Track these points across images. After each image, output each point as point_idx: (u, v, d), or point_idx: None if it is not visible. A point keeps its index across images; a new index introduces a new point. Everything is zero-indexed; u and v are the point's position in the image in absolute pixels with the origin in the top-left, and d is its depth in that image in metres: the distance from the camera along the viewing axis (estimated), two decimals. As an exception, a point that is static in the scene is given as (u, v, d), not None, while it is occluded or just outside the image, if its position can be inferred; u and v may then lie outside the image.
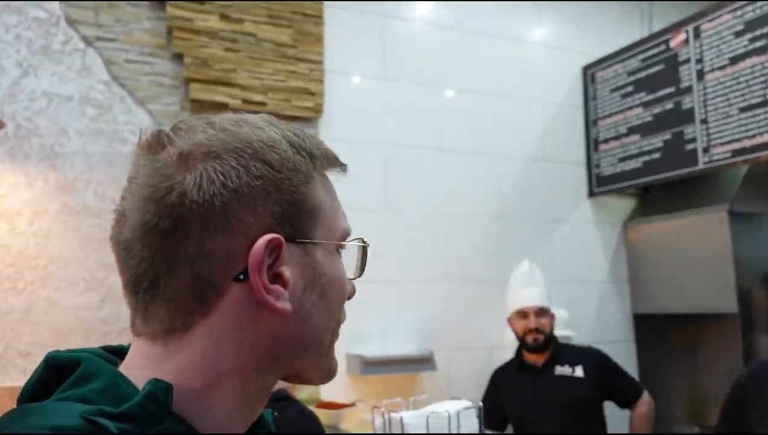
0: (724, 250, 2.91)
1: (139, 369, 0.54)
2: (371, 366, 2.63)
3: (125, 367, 0.55)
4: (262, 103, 2.69)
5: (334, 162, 0.63)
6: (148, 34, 2.57)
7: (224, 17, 2.67)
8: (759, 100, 2.65)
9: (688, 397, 3.14)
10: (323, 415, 2.36)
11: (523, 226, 3.23)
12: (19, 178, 2.31)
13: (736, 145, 2.73)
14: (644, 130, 3.17)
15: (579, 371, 2.55)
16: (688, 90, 2.95)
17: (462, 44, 3.20)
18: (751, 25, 2.68)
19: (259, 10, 2.75)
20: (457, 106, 3.16)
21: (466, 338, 3.03)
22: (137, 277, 0.55)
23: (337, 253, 0.62)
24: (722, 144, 2.79)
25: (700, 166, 2.89)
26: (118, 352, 0.59)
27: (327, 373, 0.62)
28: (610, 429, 2.61)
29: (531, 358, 2.66)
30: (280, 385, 1.60)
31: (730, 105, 2.76)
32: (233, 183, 0.54)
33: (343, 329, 0.62)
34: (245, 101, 2.67)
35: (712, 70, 2.84)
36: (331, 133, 2.82)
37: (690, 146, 2.93)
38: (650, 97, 3.14)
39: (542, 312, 2.62)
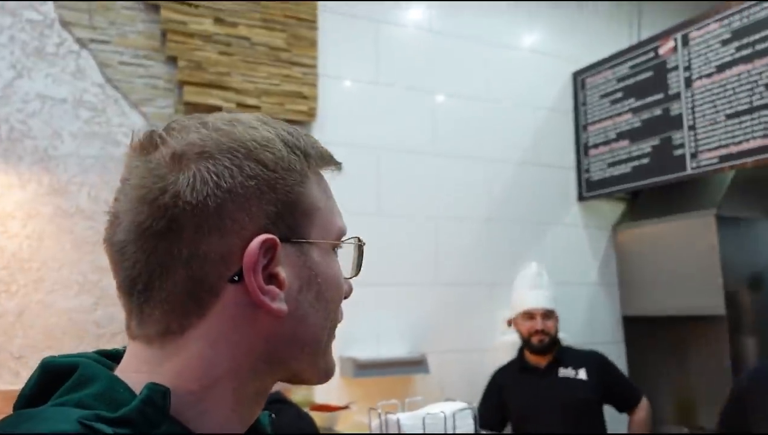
0: (711, 254, 2.95)
1: (135, 372, 0.54)
2: (364, 368, 2.65)
3: (121, 371, 0.55)
4: (256, 107, 2.70)
5: (328, 161, 0.63)
6: (142, 36, 2.57)
7: (218, 21, 2.68)
8: (745, 107, 2.70)
9: (676, 398, 3.18)
10: (317, 418, 2.37)
11: (514, 230, 3.27)
12: (12, 180, 2.30)
13: (723, 151, 2.78)
14: (633, 135, 3.21)
15: (582, 374, 2.58)
16: (677, 97, 3.00)
17: (454, 49, 3.23)
18: (737, 34, 2.73)
19: (253, 14, 2.76)
20: (449, 111, 3.19)
21: (459, 341, 3.05)
22: (131, 280, 0.54)
23: (333, 253, 0.61)
24: (709, 150, 2.84)
25: (688, 171, 2.94)
26: (114, 356, 0.59)
27: (324, 373, 0.61)
28: (608, 431, 2.64)
29: (534, 359, 2.68)
30: (278, 386, 1.61)
31: (717, 112, 2.81)
32: (227, 183, 0.54)
33: (337, 332, 0.61)
34: (239, 105, 2.68)
35: (700, 78, 2.89)
36: (324, 137, 2.80)
37: (678, 152, 2.98)
38: (639, 103, 3.19)
39: (549, 314, 2.66)
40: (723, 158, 2.78)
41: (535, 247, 3.29)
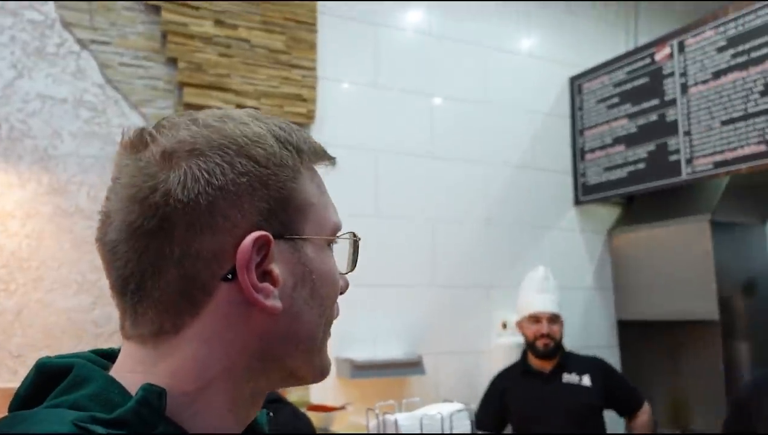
0: (705, 259, 2.98)
1: (130, 373, 0.53)
2: (361, 369, 2.66)
3: (116, 371, 0.54)
4: (255, 109, 2.71)
5: (322, 155, 0.62)
6: (142, 37, 2.58)
7: (219, 23, 2.70)
8: (740, 113, 2.72)
9: (670, 401, 3.20)
10: (314, 419, 2.38)
11: (511, 233, 3.29)
12: (11, 179, 2.31)
13: (718, 157, 2.81)
14: (629, 140, 3.24)
15: (586, 380, 2.60)
16: (672, 103, 3.02)
17: (452, 53, 3.25)
18: (733, 41, 2.76)
19: (253, 17, 2.77)
20: (447, 114, 3.21)
21: (455, 342, 3.07)
22: (124, 279, 0.54)
23: (328, 248, 0.61)
24: (705, 156, 2.86)
25: (683, 176, 2.96)
26: (109, 356, 0.58)
27: (320, 371, 0.61)
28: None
29: (538, 363, 2.70)
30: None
31: (712, 118, 2.84)
32: (218, 180, 0.53)
33: (333, 332, 0.61)
34: (239, 106, 2.69)
35: (696, 84, 2.92)
36: (322, 139, 2.79)
37: (673, 157, 3.01)
38: (635, 108, 3.21)
39: (554, 319, 2.67)
40: (718, 164, 2.81)
41: (531, 251, 3.31)
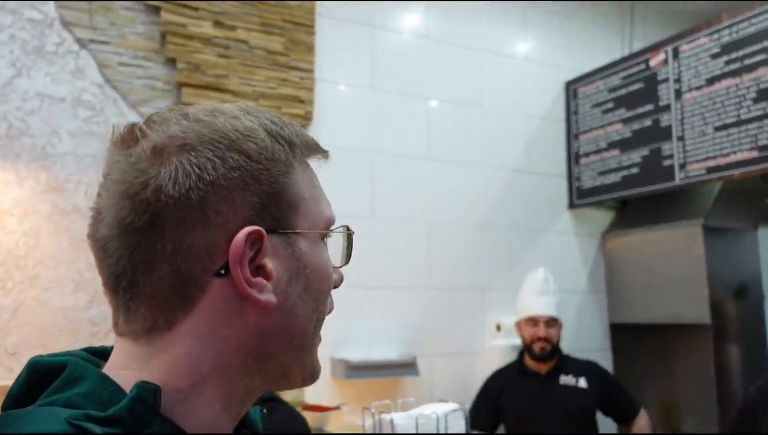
0: (697, 263, 3.01)
1: (123, 370, 0.53)
2: (356, 370, 2.68)
3: (109, 369, 0.54)
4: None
5: (314, 149, 0.61)
6: (142, 38, 2.59)
7: (218, 24, 2.71)
8: (733, 120, 2.76)
9: (662, 404, 3.23)
10: (308, 418, 2.39)
11: (506, 236, 3.31)
12: (9, 177, 2.32)
13: (711, 163, 2.84)
14: (623, 145, 3.27)
15: (582, 382, 2.63)
16: (666, 108, 3.05)
17: (449, 56, 3.27)
18: (726, 48, 2.80)
19: (252, 18, 2.79)
20: (443, 117, 3.23)
21: (449, 344, 3.09)
22: (116, 276, 0.54)
23: (322, 242, 0.60)
24: (698, 161, 2.90)
25: (677, 181, 2.99)
26: (102, 354, 0.58)
27: (311, 373, 0.60)
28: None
29: (534, 365, 2.72)
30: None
31: (705, 124, 2.87)
32: (210, 175, 0.53)
33: (328, 333, 0.61)
34: (237, 107, 2.71)
35: (690, 90, 2.95)
36: (319, 140, 2.83)
37: (667, 162, 3.04)
38: (630, 113, 3.24)
39: (552, 322, 2.69)
40: (711, 169, 2.84)
41: (526, 254, 3.33)
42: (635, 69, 3.23)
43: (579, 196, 3.50)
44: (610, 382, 2.75)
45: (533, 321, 2.70)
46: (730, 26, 2.79)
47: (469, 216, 3.23)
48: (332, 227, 0.62)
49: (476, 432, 2.04)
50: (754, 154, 2.68)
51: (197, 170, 0.52)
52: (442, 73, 3.26)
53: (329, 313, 0.62)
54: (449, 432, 1.46)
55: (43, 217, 2.34)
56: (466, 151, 3.26)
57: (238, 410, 0.57)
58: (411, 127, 3.15)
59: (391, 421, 1.47)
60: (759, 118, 2.67)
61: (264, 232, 0.54)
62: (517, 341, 2.86)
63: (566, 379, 2.66)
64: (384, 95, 3.10)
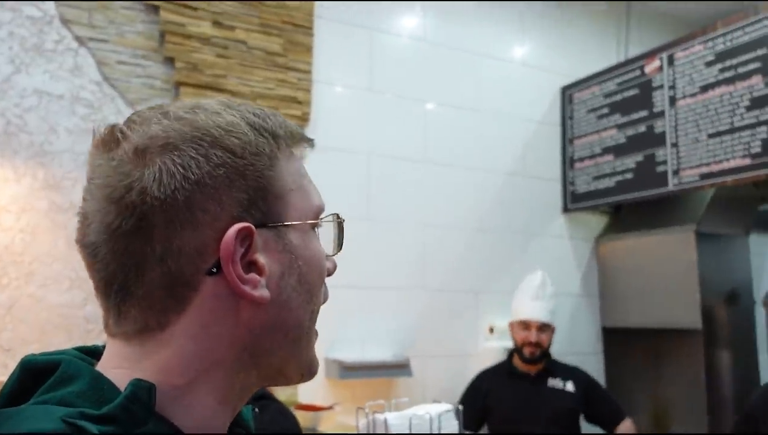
0: (690, 269, 3.04)
1: (117, 369, 0.53)
2: (349, 370, 2.69)
3: (103, 368, 0.54)
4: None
5: (299, 138, 0.61)
6: (141, 37, 2.60)
7: (216, 24, 2.72)
8: (727, 127, 2.79)
9: (652, 408, 3.25)
10: (302, 418, 2.41)
11: (500, 239, 3.33)
12: (7, 173, 2.32)
13: (704, 169, 2.87)
14: (618, 150, 3.29)
15: (570, 386, 2.66)
16: (661, 114, 3.08)
17: (447, 59, 3.29)
18: (721, 57, 2.83)
19: (251, 19, 2.80)
20: (439, 120, 3.25)
21: (442, 346, 3.11)
22: (107, 281, 0.53)
23: (313, 232, 0.60)
24: (691, 167, 2.92)
25: (670, 187, 3.02)
26: (94, 353, 0.57)
27: (308, 368, 0.60)
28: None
29: (523, 367, 2.75)
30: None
31: (699, 131, 2.90)
32: (194, 174, 0.52)
33: (322, 333, 0.61)
34: (234, 107, 2.72)
35: (684, 97, 2.98)
36: (316, 141, 2.85)
37: (661, 168, 3.06)
38: (624, 119, 3.27)
39: (545, 327, 2.72)
40: (704, 176, 2.87)
41: (520, 257, 3.36)
42: (630, 75, 3.26)
43: (573, 201, 3.53)
44: (597, 388, 2.79)
45: (526, 325, 2.72)
46: (724, 34, 2.82)
47: (464, 218, 3.25)
48: (322, 215, 0.61)
49: (469, 432, 2.06)
50: (747, 161, 2.71)
51: (181, 170, 0.52)
52: (439, 76, 3.28)
53: (324, 302, 0.61)
54: (442, 432, 1.48)
55: (40, 214, 2.35)
56: (462, 153, 3.28)
57: (234, 405, 0.57)
58: (408, 129, 3.17)
59: (385, 421, 1.48)
60: (752, 126, 2.70)
61: (253, 227, 0.53)
62: (511, 344, 2.88)
63: (554, 382, 2.69)
64: (381, 97, 3.11)
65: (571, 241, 3.56)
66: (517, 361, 2.77)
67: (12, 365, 2.27)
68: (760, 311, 3.16)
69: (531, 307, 2.72)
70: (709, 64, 2.88)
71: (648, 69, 3.17)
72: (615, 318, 3.49)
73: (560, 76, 3.61)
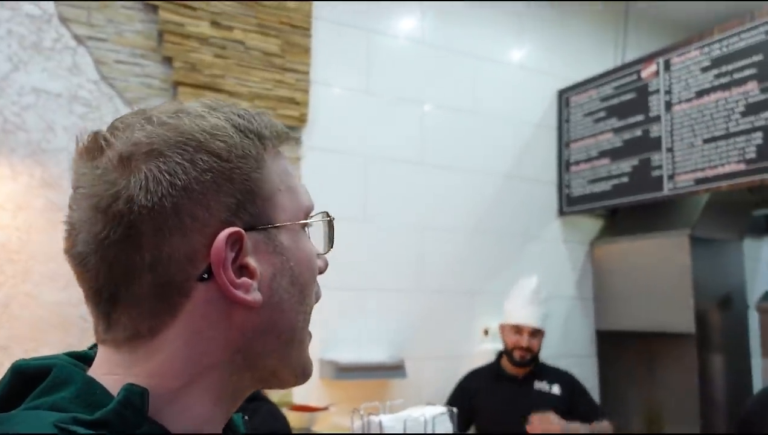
0: (684, 273, 3.05)
1: (108, 375, 0.53)
2: (344, 371, 2.70)
3: (94, 374, 0.53)
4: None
5: (284, 138, 0.60)
6: (139, 36, 2.61)
7: (215, 24, 2.73)
8: (722, 132, 2.80)
9: (645, 411, 3.27)
10: (296, 418, 2.41)
11: (496, 241, 3.34)
12: (4, 171, 2.32)
13: (699, 174, 2.88)
14: (614, 154, 3.31)
15: (556, 389, 2.69)
16: (657, 119, 3.10)
17: (444, 62, 3.30)
18: (717, 62, 2.84)
19: (249, 19, 2.80)
20: (436, 122, 3.26)
21: (437, 348, 3.12)
22: (97, 290, 0.53)
23: (303, 231, 0.59)
24: (686, 172, 2.94)
25: (665, 192, 3.04)
26: (84, 358, 0.57)
27: (302, 370, 0.60)
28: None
29: (512, 369, 2.77)
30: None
31: (695, 136, 2.91)
32: (181, 180, 0.51)
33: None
34: (232, 107, 2.72)
35: (680, 102, 2.99)
36: (313, 143, 2.89)
37: (656, 173, 3.08)
38: (621, 123, 3.29)
39: (536, 333, 2.73)
40: (699, 181, 2.89)
41: (516, 259, 3.37)
42: (627, 79, 3.28)
43: (569, 204, 3.54)
44: (581, 392, 2.80)
45: (518, 329, 2.74)
46: (720, 40, 2.84)
47: (460, 220, 3.26)
48: (311, 214, 0.61)
49: (458, 433, 2.07)
50: (742, 166, 2.72)
51: (168, 176, 0.51)
52: (437, 78, 3.29)
53: (317, 302, 0.61)
54: (437, 434, 1.49)
55: (36, 212, 2.35)
56: (459, 156, 3.29)
57: (227, 408, 0.57)
58: (404, 131, 3.18)
59: (380, 423, 1.49)
60: (747, 132, 2.71)
61: (243, 231, 0.53)
62: (505, 346, 2.90)
63: (540, 385, 2.72)
64: (378, 99, 3.12)
65: (566, 243, 3.58)
66: (505, 363, 2.80)
67: (7, 363, 2.27)
68: (753, 316, 3.18)
69: (525, 312, 2.74)
70: (705, 69, 2.90)
71: (644, 73, 3.18)
72: (609, 321, 3.50)
73: (557, 80, 3.63)
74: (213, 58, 2.71)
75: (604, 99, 3.39)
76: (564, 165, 3.59)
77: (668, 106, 3.05)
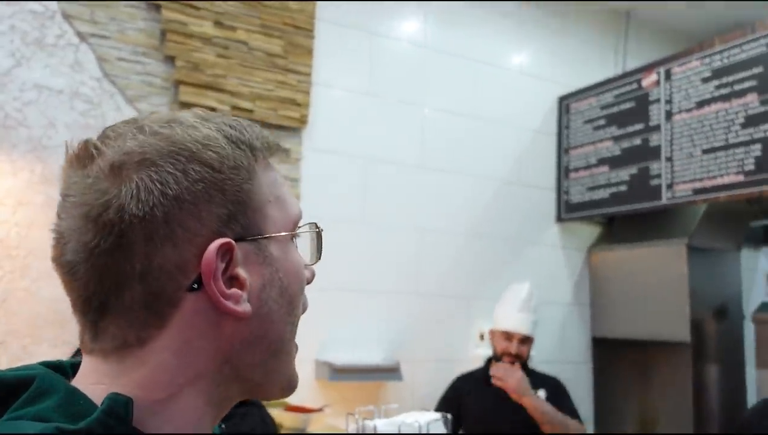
0: (680, 282, 3.06)
1: (95, 385, 0.52)
2: (340, 373, 2.70)
3: (79, 384, 0.53)
4: (250, 111, 2.75)
5: (275, 149, 0.60)
6: (142, 34, 2.61)
7: (218, 24, 2.73)
8: (721, 143, 2.81)
9: (639, 419, 3.28)
10: (291, 419, 2.42)
11: (494, 246, 3.35)
12: (4, 167, 2.33)
13: (698, 184, 2.89)
14: (613, 162, 3.32)
15: (542, 394, 2.69)
16: (656, 128, 3.11)
17: (446, 65, 3.31)
18: (717, 73, 2.85)
19: (253, 20, 2.81)
20: (437, 126, 3.27)
21: (433, 350, 3.12)
22: (86, 299, 0.53)
23: (292, 242, 0.60)
24: (684, 182, 2.95)
25: (663, 201, 3.05)
26: (59, 368, 0.56)
27: (288, 383, 0.60)
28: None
29: None
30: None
31: (694, 146, 2.92)
32: (173, 190, 0.51)
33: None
34: (234, 107, 2.73)
35: (680, 112, 3.00)
36: (313, 144, 2.89)
37: (654, 182, 3.09)
38: (620, 131, 3.30)
39: (526, 340, 2.74)
40: (697, 191, 2.90)
41: (513, 264, 3.38)
42: (628, 88, 3.29)
43: (567, 210, 3.55)
44: (562, 395, 2.81)
45: (508, 335, 2.74)
46: (721, 51, 2.85)
47: (458, 224, 3.27)
48: (300, 223, 0.61)
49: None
50: (740, 178, 2.73)
51: (159, 186, 0.51)
52: (438, 82, 3.29)
53: (303, 312, 0.61)
54: (430, 439, 1.49)
55: (36, 208, 2.35)
56: (458, 160, 3.30)
57: (213, 418, 0.57)
58: (405, 134, 3.18)
59: (374, 428, 1.50)
60: (746, 144, 2.72)
61: (234, 243, 0.53)
62: (499, 351, 2.90)
63: None
64: (379, 101, 3.13)
65: (563, 250, 3.59)
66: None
67: (4, 358, 2.27)
68: (749, 327, 3.20)
69: (515, 319, 2.74)
70: (705, 80, 2.91)
71: (645, 82, 3.19)
72: (605, 328, 3.51)
73: (558, 86, 3.64)
74: (215, 58, 2.71)
75: (605, 107, 3.40)
76: (563, 171, 3.60)
77: (668, 115, 3.06)
